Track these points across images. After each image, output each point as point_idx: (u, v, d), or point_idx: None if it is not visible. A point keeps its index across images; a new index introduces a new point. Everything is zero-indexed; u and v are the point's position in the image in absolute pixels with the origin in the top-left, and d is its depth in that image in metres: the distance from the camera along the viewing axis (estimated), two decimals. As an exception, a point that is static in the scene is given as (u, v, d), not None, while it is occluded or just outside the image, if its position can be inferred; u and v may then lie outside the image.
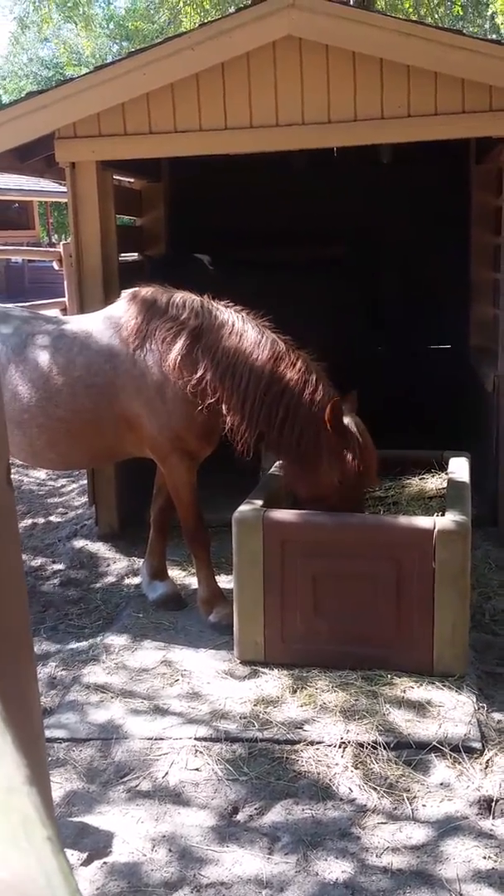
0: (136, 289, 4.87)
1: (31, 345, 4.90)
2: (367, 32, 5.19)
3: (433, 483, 5.02)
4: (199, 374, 4.51)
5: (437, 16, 17.93)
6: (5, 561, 1.52)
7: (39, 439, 4.87)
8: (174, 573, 5.43)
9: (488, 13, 22.42)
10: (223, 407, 4.52)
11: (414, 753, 3.66)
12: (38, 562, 6.08)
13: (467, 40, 5.28)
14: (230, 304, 4.70)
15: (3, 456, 1.50)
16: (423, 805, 3.37)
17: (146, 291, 4.80)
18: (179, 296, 4.70)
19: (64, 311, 9.79)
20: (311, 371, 4.50)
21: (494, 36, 19.58)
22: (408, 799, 3.40)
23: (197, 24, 9.64)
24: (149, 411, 4.70)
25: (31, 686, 1.65)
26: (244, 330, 4.55)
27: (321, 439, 4.38)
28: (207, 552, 4.91)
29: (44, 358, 4.84)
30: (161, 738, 3.85)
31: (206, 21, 10.55)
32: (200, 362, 4.52)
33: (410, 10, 16.33)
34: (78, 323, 5.06)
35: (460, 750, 3.64)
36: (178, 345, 4.56)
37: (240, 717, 3.96)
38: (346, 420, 4.41)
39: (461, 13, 19.81)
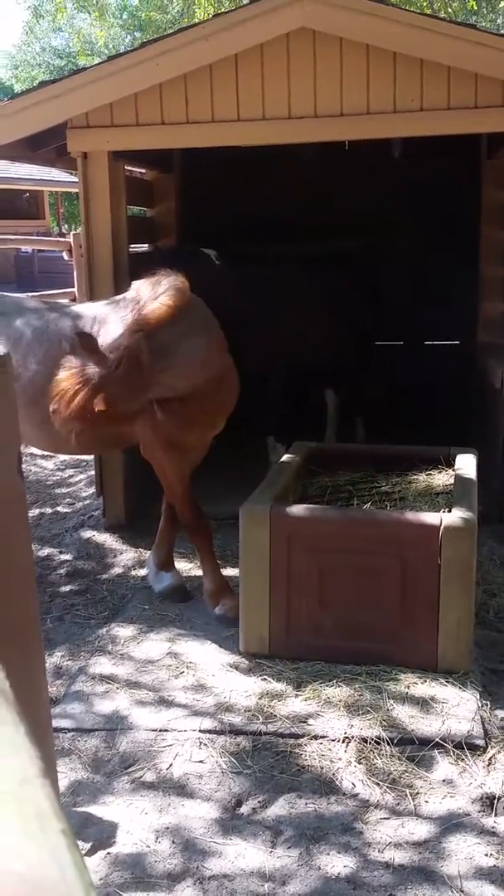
0: (143, 279, 4.86)
1: (46, 330, 4.91)
2: (381, 26, 5.17)
3: (440, 479, 5.01)
4: None
5: (450, 10, 17.84)
6: (16, 551, 1.53)
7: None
8: (181, 565, 5.44)
9: (501, 7, 22.31)
10: None
11: (417, 749, 3.66)
12: (45, 552, 6.09)
13: (481, 35, 5.25)
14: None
15: (14, 446, 1.50)
16: (426, 801, 3.38)
17: (150, 280, 4.78)
18: (164, 281, 4.66)
19: (73, 300, 9.81)
20: None
21: (508, 30, 19.46)
22: (410, 795, 3.40)
23: (210, 15, 9.61)
24: None
25: (40, 676, 1.66)
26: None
27: None
28: (210, 544, 4.90)
29: (61, 341, 4.86)
30: (166, 730, 3.86)
31: (219, 12, 10.52)
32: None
33: (425, 3, 16.26)
34: (92, 310, 5.07)
35: (463, 747, 3.64)
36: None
37: (244, 710, 3.97)
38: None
39: (475, 8, 19.67)
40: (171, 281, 4.42)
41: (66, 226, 32.16)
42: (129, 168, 7.03)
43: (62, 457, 8.11)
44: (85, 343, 4.08)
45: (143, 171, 7.98)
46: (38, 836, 0.53)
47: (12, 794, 0.56)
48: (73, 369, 4.06)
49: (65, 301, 8.91)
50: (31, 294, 8.26)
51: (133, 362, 4.08)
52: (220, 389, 4.69)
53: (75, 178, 6.04)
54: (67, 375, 4.04)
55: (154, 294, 4.50)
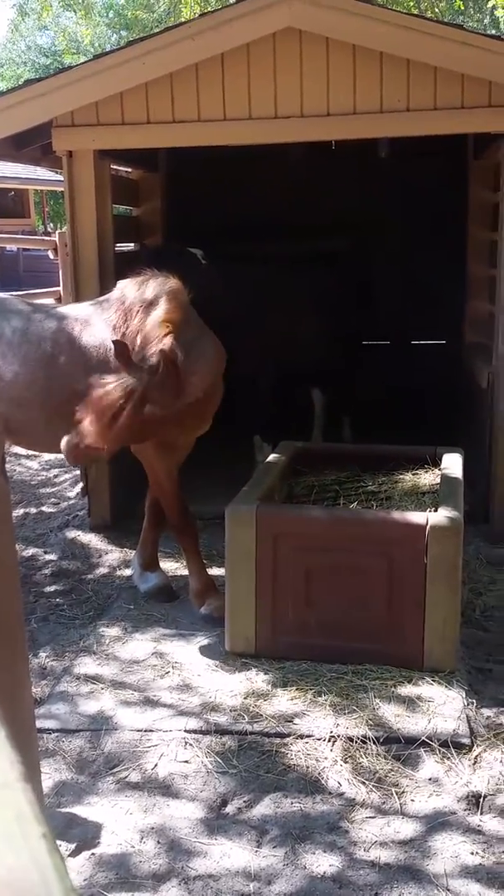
0: (129, 279, 4.86)
1: (30, 330, 4.90)
2: (367, 25, 5.17)
3: (426, 479, 5.02)
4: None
5: (437, 10, 17.88)
6: (0, 551, 1.52)
7: (40, 420, 4.88)
8: (166, 565, 5.42)
9: (489, 7, 22.37)
10: None
11: (403, 748, 3.67)
12: (29, 552, 6.06)
13: (468, 35, 5.27)
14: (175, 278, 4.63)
15: (-3, 446, 1.49)
16: (412, 800, 3.38)
17: (136, 280, 4.78)
18: (150, 282, 4.66)
19: (59, 300, 9.78)
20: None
21: (494, 31, 19.54)
22: (396, 794, 3.41)
23: (197, 14, 9.60)
24: None
25: (24, 678, 1.65)
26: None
27: None
28: (196, 543, 4.90)
29: (45, 341, 4.85)
30: (151, 730, 3.85)
31: (206, 11, 10.52)
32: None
33: (412, 3, 16.29)
34: (76, 310, 5.07)
35: (449, 745, 3.65)
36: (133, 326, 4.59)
37: (230, 710, 3.96)
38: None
39: (461, 7, 19.73)
40: (162, 282, 4.40)
41: (51, 224, 32.04)
42: (115, 167, 7.01)
43: (47, 456, 8.07)
44: (119, 351, 4.05)
45: (129, 170, 7.96)
46: (17, 841, 0.53)
47: (-8, 798, 0.56)
48: (109, 385, 3.99)
49: (50, 301, 8.89)
50: (15, 293, 8.23)
51: (171, 366, 4.06)
52: (213, 389, 4.70)
53: (61, 177, 6.02)
54: (106, 392, 3.96)
55: (142, 295, 4.48)
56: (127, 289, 4.77)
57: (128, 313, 4.66)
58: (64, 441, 4.12)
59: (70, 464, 4.09)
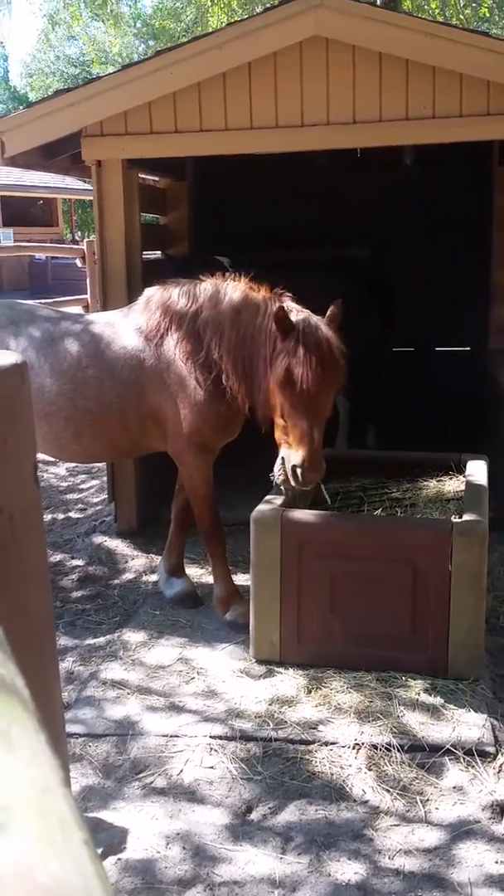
0: (158, 286, 4.91)
1: (58, 339, 4.95)
2: (394, 33, 5.18)
3: (451, 485, 5.01)
4: (203, 351, 4.55)
5: (462, 17, 17.83)
6: (32, 558, 1.54)
7: (66, 431, 4.92)
8: (191, 571, 5.45)
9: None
10: (224, 377, 4.53)
11: (427, 756, 3.66)
12: (56, 557, 6.11)
13: (494, 42, 5.26)
14: (245, 277, 4.66)
15: (30, 454, 1.52)
16: (436, 808, 3.38)
17: (167, 288, 4.83)
18: (192, 285, 4.72)
19: (86, 308, 9.85)
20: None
21: (521, 37, 19.40)
22: (421, 802, 3.41)
23: (224, 24, 9.64)
24: (171, 404, 4.73)
25: (55, 682, 1.67)
26: (228, 295, 4.56)
27: (266, 346, 4.28)
28: (223, 550, 4.92)
29: (72, 351, 4.89)
30: (176, 736, 3.87)
31: (233, 20, 10.55)
32: (203, 340, 4.56)
33: (437, 10, 16.25)
34: (104, 318, 5.12)
35: (474, 754, 3.64)
36: (182, 331, 4.62)
37: (255, 717, 3.98)
38: (297, 320, 4.19)
39: (487, 14, 19.67)
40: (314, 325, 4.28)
41: (79, 233, 32.27)
42: (143, 176, 7.06)
43: (73, 463, 8.13)
44: (278, 315, 4.12)
45: (157, 178, 8.01)
46: (60, 847, 0.54)
47: (35, 804, 0.57)
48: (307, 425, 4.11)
49: (77, 309, 8.95)
50: (43, 301, 8.30)
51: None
52: None
53: (89, 186, 6.08)
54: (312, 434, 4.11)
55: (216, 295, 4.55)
56: (157, 295, 4.81)
57: (172, 317, 4.70)
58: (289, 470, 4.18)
59: (303, 486, 4.22)
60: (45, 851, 0.53)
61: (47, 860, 0.52)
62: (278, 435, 4.29)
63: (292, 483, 4.20)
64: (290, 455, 4.18)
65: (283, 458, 4.26)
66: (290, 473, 4.17)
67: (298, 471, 4.12)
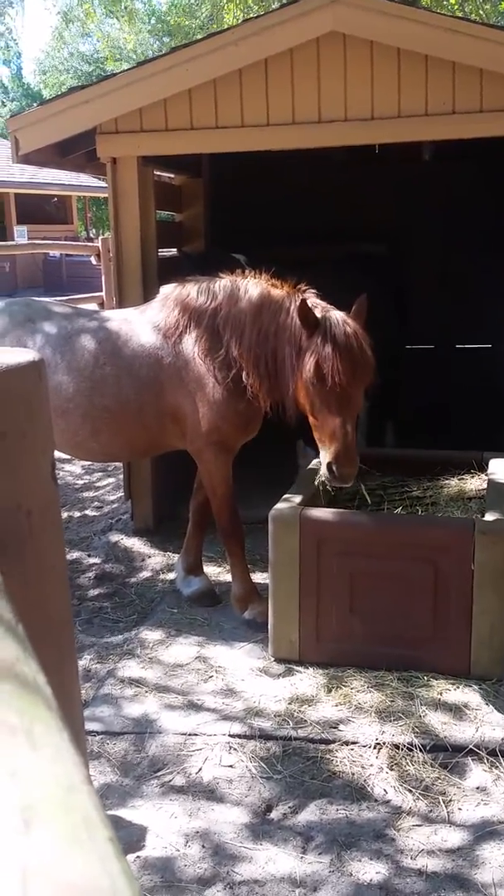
0: (175, 283, 4.89)
1: (74, 336, 4.93)
2: (412, 29, 5.14)
3: (472, 484, 4.97)
4: (223, 349, 4.52)
5: (482, 12, 17.76)
6: (50, 555, 1.52)
7: (83, 428, 4.90)
8: (209, 569, 5.43)
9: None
10: (245, 375, 4.50)
11: (450, 756, 3.63)
12: (73, 555, 6.11)
13: (514, 37, 5.21)
14: (265, 273, 4.63)
15: (48, 451, 1.50)
16: (459, 808, 3.34)
17: (184, 285, 4.81)
18: (210, 283, 4.70)
19: (101, 305, 9.85)
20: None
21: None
22: (443, 802, 3.37)
23: (239, 20, 9.63)
24: (190, 402, 4.71)
25: (73, 680, 1.65)
26: (248, 292, 4.53)
27: (291, 344, 4.25)
28: (242, 548, 4.90)
29: (89, 348, 4.87)
30: (195, 734, 3.85)
31: (248, 17, 10.54)
32: (223, 338, 4.54)
33: (455, 5, 16.19)
34: (121, 315, 5.10)
35: (497, 754, 3.61)
36: (201, 329, 4.60)
37: (274, 715, 3.95)
38: (322, 315, 4.17)
39: (506, 9, 19.58)
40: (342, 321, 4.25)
41: (93, 230, 32.37)
42: (158, 173, 7.05)
43: (89, 461, 8.13)
44: (301, 310, 4.11)
45: (172, 175, 8.00)
46: (86, 844, 0.52)
47: (60, 802, 0.55)
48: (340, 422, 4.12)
49: (93, 306, 8.95)
50: (59, 298, 8.31)
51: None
52: None
53: (103, 183, 6.07)
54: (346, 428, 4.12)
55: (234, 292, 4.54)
56: (175, 292, 4.79)
57: (190, 314, 4.68)
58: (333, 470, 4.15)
59: (342, 484, 4.22)
60: (70, 849, 0.51)
61: (73, 858, 0.51)
62: (316, 435, 4.27)
63: (330, 481, 4.18)
64: (324, 453, 4.15)
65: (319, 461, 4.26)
66: (325, 471, 4.15)
67: (334, 467, 4.10)
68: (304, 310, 4.12)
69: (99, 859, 0.52)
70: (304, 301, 4.15)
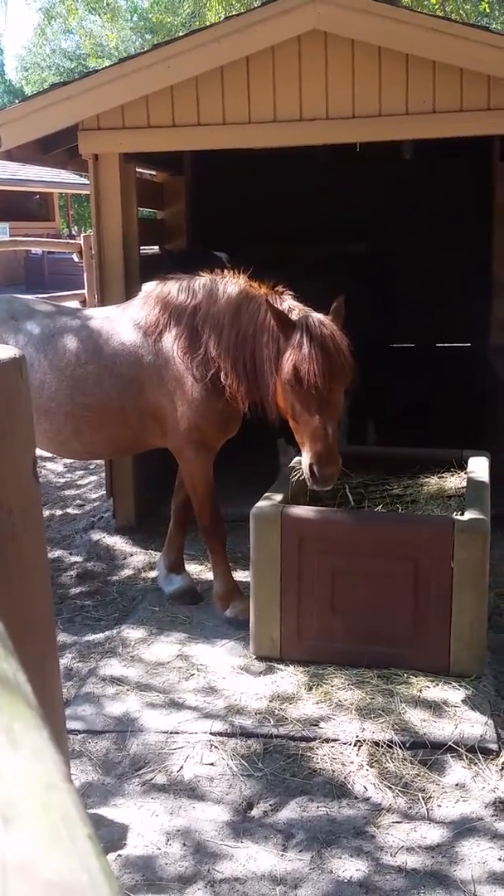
0: (156, 281, 4.89)
1: (57, 334, 4.92)
2: (393, 28, 5.16)
3: (452, 482, 4.99)
4: (202, 348, 4.51)
5: (462, 12, 17.82)
6: (32, 554, 1.52)
7: (66, 427, 4.89)
8: (191, 567, 5.43)
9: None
10: (223, 376, 4.49)
11: (429, 753, 3.64)
12: (55, 554, 6.09)
13: (494, 37, 5.23)
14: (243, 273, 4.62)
15: (29, 449, 1.50)
16: (439, 805, 3.36)
17: (165, 283, 4.80)
18: (190, 281, 4.69)
19: (83, 302, 9.81)
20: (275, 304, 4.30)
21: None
22: (423, 799, 3.39)
23: (221, 17, 9.62)
24: (170, 401, 4.71)
25: (55, 678, 1.65)
26: (227, 292, 4.52)
27: (270, 346, 4.24)
28: (224, 547, 4.90)
29: (71, 347, 4.86)
30: (176, 732, 3.85)
31: (231, 14, 10.52)
32: (202, 337, 4.53)
33: (436, 5, 16.24)
34: (103, 313, 5.09)
35: (476, 751, 3.63)
36: (180, 327, 4.59)
37: (255, 713, 3.96)
38: (300, 317, 4.16)
39: (487, 10, 19.67)
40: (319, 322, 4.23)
41: (75, 228, 32.23)
42: (140, 170, 7.04)
43: (72, 459, 8.11)
44: (273, 312, 4.11)
45: (154, 173, 7.99)
46: (66, 842, 0.53)
47: (40, 799, 0.55)
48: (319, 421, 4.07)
49: (75, 304, 8.93)
50: (41, 296, 8.27)
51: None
52: None
53: (85, 181, 6.05)
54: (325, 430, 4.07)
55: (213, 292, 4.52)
56: (156, 290, 4.78)
57: (171, 312, 4.66)
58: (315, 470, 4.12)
59: (324, 486, 4.19)
60: (49, 846, 0.52)
61: (52, 855, 0.51)
62: (297, 436, 4.26)
63: (311, 483, 4.17)
64: (305, 454, 4.15)
65: (299, 460, 4.25)
66: (307, 473, 4.14)
67: (315, 468, 4.09)
68: (275, 312, 4.12)
69: (78, 857, 0.52)
70: (271, 304, 4.15)
